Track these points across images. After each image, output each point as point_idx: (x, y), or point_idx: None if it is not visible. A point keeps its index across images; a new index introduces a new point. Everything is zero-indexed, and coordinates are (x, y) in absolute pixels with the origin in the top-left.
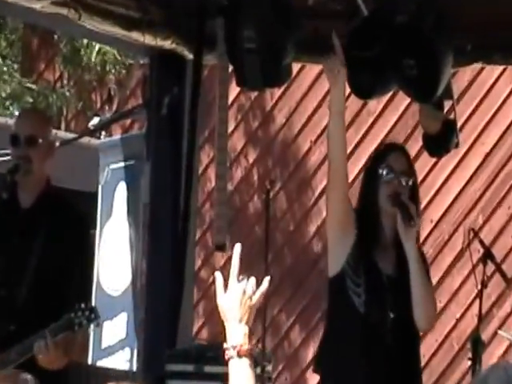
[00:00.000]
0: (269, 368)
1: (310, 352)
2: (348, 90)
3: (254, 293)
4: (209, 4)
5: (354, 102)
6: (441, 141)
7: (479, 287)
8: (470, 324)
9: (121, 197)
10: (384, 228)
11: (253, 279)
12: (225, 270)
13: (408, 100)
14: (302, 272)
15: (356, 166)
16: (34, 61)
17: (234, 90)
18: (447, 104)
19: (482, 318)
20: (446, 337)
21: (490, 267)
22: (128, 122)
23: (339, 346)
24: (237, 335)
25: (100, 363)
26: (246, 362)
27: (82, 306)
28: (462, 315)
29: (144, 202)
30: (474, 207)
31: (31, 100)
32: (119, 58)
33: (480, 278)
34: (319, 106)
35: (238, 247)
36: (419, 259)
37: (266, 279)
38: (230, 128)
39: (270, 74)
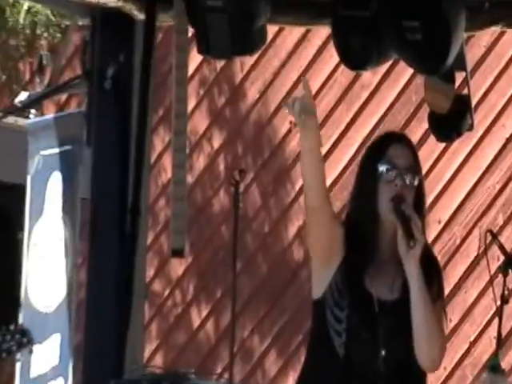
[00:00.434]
0: None
1: (289, 383)
2: (337, 60)
3: None
4: None
5: (345, 74)
6: (451, 122)
7: (498, 303)
8: (486, 348)
9: (54, 190)
10: (380, 239)
11: None
12: (183, 281)
13: (410, 71)
14: (279, 285)
15: (345, 154)
16: None
17: (194, 59)
18: (459, 76)
19: (501, 341)
20: (458, 364)
21: None
22: (64, 97)
23: None
24: None
25: None
26: None
27: (11, 327)
28: (478, 337)
29: (83, 196)
30: (492, 204)
31: None
32: (53, 19)
33: (499, 291)
34: (301, 78)
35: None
36: (422, 286)
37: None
38: (190, 106)
39: (240, 38)
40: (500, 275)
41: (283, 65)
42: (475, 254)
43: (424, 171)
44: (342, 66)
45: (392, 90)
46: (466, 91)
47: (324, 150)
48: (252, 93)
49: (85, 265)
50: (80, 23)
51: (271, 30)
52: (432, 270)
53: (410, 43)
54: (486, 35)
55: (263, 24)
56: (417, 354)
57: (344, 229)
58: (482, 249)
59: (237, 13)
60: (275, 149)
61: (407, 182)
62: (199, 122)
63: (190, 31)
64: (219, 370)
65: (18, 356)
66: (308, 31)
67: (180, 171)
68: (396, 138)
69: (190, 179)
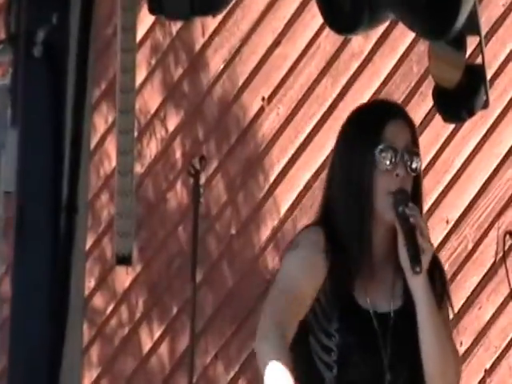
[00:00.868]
0: None
1: None
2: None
3: None
4: None
5: (330, 39)
6: (461, 99)
7: None
8: (505, 379)
9: None
10: (374, 241)
11: None
12: (130, 295)
13: (411, 36)
14: (249, 299)
15: (330, 138)
16: None
17: (145, 21)
18: (471, 42)
19: None
20: None
21: None
22: None
23: None
24: None
25: None
26: None
27: None
28: (494, 365)
29: (6, 189)
30: (511, 201)
31: None
32: None
33: None
34: (276, 44)
35: None
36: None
37: None
38: (140, 78)
39: None
40: None
41: (253, 28)
42: (491, 261)
43: (428, 159)
44: (327, 30)
45: (388, 60)
46: (479, 60)
47: (303, 134)
48: (215, 62)
49: (9, 274)
50: None
51: None
52: (434, 275)
53: (410, 0)
54: None
55: None
56: (427, 378)
57: (324, 236)
58: (500, 255)
59: None
60: (244, 131)
61: (409, 170)
62: (150, 98)
63: None
64: None
65: None
66: None
67: (127, 158)
68: (393, 113)
69: (138, 168)
